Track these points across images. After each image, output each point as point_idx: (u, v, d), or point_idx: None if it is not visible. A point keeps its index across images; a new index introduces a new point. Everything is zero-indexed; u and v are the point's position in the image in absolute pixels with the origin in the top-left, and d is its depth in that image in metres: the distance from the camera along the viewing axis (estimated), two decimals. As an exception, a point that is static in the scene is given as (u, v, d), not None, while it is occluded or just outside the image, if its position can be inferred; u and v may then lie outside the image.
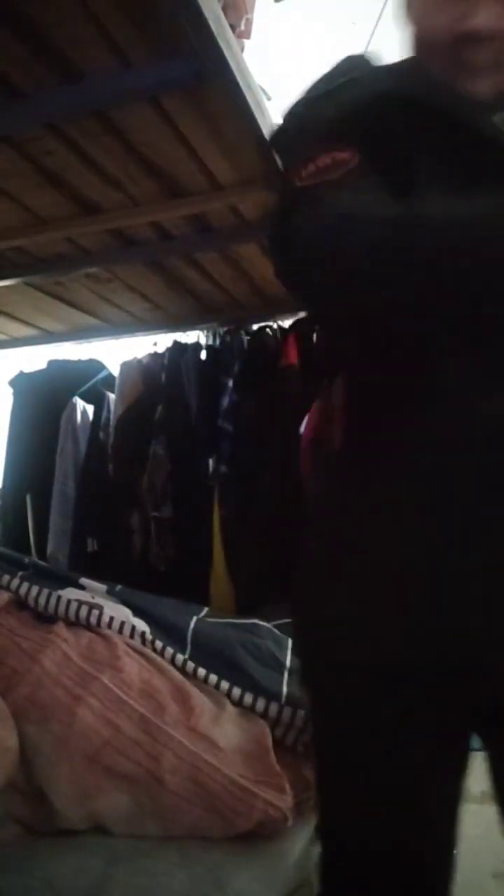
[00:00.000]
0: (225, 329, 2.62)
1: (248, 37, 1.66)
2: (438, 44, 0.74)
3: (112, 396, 2.76)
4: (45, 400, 2.88)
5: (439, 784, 0.77)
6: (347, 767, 0.78)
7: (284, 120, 0.85)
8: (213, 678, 1.45)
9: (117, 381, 2.72)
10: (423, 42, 0.77)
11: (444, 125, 0.74)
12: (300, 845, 1.24)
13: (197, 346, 2.62)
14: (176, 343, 2.62)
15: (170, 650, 1.47)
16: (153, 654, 1.45)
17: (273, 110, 1.50)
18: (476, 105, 0.74)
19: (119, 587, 1.64)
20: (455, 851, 0.82)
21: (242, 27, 1.60)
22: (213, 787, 1.19)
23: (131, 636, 1.47)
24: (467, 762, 0.79)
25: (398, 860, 0.77)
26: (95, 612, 1.49)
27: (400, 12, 0.80)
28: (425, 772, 0.75)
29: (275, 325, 2.54)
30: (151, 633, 1.50)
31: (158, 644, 1.48)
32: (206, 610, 1.71)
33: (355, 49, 0.82)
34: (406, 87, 0.76)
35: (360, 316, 0.69)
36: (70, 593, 1.54)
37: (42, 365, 3.02)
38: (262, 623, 1.67)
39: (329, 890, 0.83)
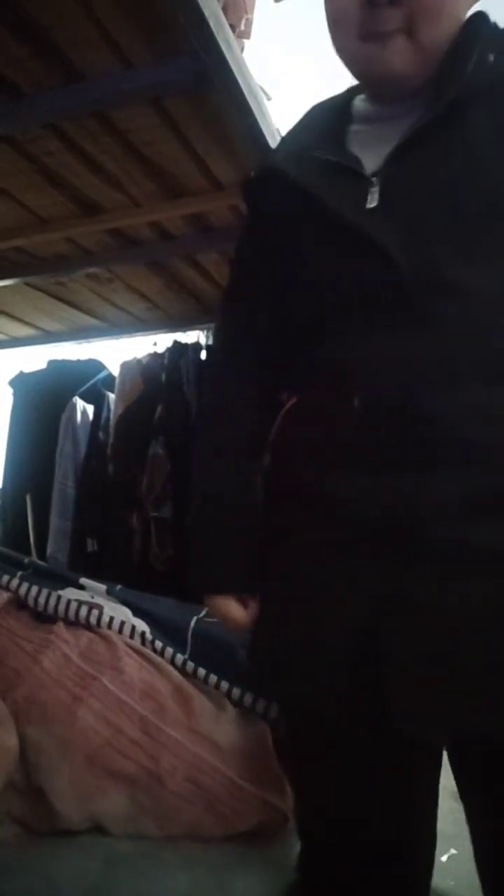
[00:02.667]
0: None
1: (248, 37, 1.66)
2: (348, 15, 0.76)
3: (112, 396, 2.76)
4: (45, 400, 2.88)
5: (402, 792, 0.79)
6: (315, 780, 0.82)
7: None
8: (214, 678, 1.45)
9: (117, 381, 2.72)
10: (336, 18, 0.79)
11: (313, 201, 0.78)
12: (299, 846, 1.24)
13: (197, 346, 2.62)
14: (176, 343, 2.62)
15: (170, 650, 1.47)
16: (153, 655, 1.45)
17: (273, 110, 1.50)
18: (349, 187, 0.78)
19: (119, 587, 1.64)
20: (432, 850, 0.83)
21: (242, 27, 1.60)
22: (212, 788, 1.19)
23: (131, 636, 1.47)
24: (435, 761, 0.80)
25: (372, 860, 0.78)
26: (95, 612, 1.49)
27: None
28: (384, 784, 0.77)
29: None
30: (151, 633, 1.50)
31: (158, 644, 1.48)
32: (205, 610, 1.71)
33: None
34: (284, 165, 0.83)
35: None
36: (70, 593, 1.54)
37: (42, 365, 3.02)
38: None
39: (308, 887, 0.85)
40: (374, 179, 0.77)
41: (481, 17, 0.79)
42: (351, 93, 0.89)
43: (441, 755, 0.80)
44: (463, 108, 0.74)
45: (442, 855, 1.20)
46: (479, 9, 0.80)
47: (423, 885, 0.82)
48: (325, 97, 0.94)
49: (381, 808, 0.78)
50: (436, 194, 0.74)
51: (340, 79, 0.90)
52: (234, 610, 0.85)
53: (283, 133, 0.98)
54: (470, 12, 0.79)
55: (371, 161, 0.79)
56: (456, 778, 0.80)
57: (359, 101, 0.88)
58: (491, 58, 0.75)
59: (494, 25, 0.80)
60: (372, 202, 0.76)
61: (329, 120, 0.88)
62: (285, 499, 0.83)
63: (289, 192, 0.81)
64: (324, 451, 0.78)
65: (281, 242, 0.84)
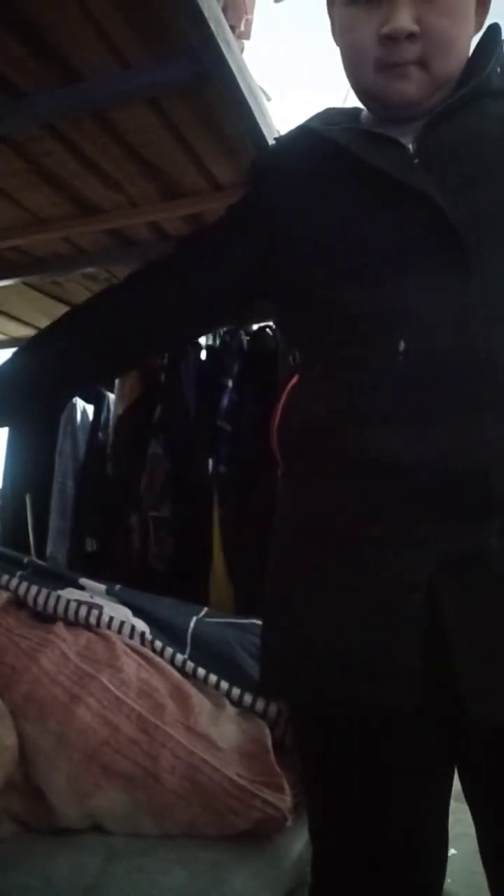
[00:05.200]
0: (225, 329, 2.62)
1: (248, 37, 1.66)
2: (366, 51, 0.82)
3: (112, 396, 2.76)
4: (44, 400, 2.88)
5: (418, 794, 0.79)
6: (326, 783, 0.83)
7: None
8: (213, 678, 1.45)
9: (117, 381, 2.71)
10: (353, 54, 0.85)
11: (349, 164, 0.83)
12: (299, 844, 1.24)
13: (197, 346, 2.62)
14: (176, 343, 2.62)
15: (169, 650, 1.47)
16: (152, 654, 1.45)
17: (273, 110, 1.50)
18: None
19: (118, 587, 1.64)
20: (446, 852, 0.83)
21: (242, 28, 1.60)
22: (211, 787, 1.19)
23: (130, 636, 1.47)
24: (444, 773, 0.80)
25: (384, 864, 0.78)
26: (95, 611, 1.49)
27: (333, 37, 0.90)
28: (401, 786, 0.77)
29: (275, 325, 2.54)
30: (151, 632, 1.50)
31: (158, 644, 1.48)
32: (205, 610, 1.71)
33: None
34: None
35: None
36: (69, 593, 1.54)
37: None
38: (261, 623, 1.67)
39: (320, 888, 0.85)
40: (410, 147, 0.82)
41: (494, 35, 0.87)
42: (359, 108, 0.96)
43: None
44: (479, 98, 0.82)
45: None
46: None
47: (437, 888, 0.82)
48: (323, 96, 0.99)
49: (402, 811, 0.78)
50: (472, 149, 0.80)
51: (340, 78, 0.92)
52: None
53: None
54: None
55: (399, 137, 0.84)
56: (465, 780, 0.80)
57: (367, 113, 0.94)
58: (499, 70, 0.84)
59: None
60: (414, 164, 0.81)
61: (343, 115, 0.95)
62: (313, 472, 0.80)
63: (321, 155, 0.86)
64: (364, 405, 0.76)
65: (306, 202, 0.88)
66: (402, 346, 0.73)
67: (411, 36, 0.79)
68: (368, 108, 0.92)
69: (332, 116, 0.95)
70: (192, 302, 0.95)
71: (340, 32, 0.87)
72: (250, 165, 1.01)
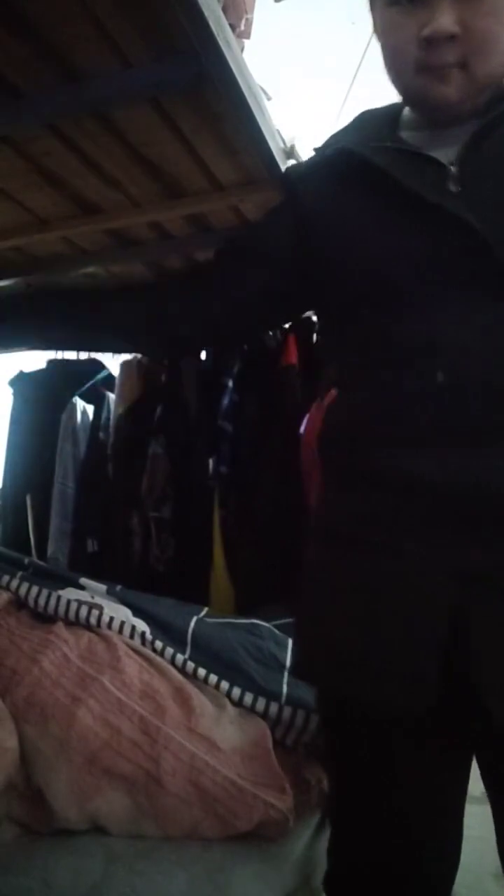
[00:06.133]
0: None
1: (248, 37, 1.66)
2: (406, 52, 0.81)
3: (112, 396, 2.76)
4: (45, 400, 2.88)
5: (437, 797, 0.79)
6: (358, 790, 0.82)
7: None
8: (213, 678, 1.45)
9: (117, 381, 2.71)
10: (394, 54, 0.84)
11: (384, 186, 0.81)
12: (300, 846, 1.24)
13: (197, 347, 2.61)
14: (176, 343, 2.62)
15: (170, 650, 1.47)
16: (153, 655, 1.45)
17: (273, 110, 1.50)
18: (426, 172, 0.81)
19: (119, 587, 1.64)
20: (459, 849, 0.83)
21: (242, 27, 1.60)
22: (212, 789, 1.19)
23: (131, 636, 1.47)
24: (467, 773, 0.81)
25: (407, 860, 0.79)
26: (95, 612, 1.49)
27: (377, 36, 0.88)
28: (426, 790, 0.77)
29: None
30: (151, 633, 1.50)
31: (158, 644, 1.48)
32: (205, 610, 1.71)
33: (354, 47, 0.96)
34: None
35: None
36: (70, 593, 1.54)
37: (42, 365, 3.02)
38: (262, 623, 1.67)
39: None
40: (451, 168, 0.81)
41: None
42: (396, 105, 0.93)
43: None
44: None
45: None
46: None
47: (449, 886, 0.83)
48: (320, 95, 0.98)
49: (422, 808, 0.78)
50: None
51: (340, 79, 0.92)
52: None
53: (288, 135, 1.01)
54: None
55: (440, 156, 0.83)
56: (487, 774, 0.80)
57: (408, 113, 0.91)
58: None
59: None
60: (453, 186, 0.79)
61: (380, 125, 0.92)
62: (349, 485, 0.82)
63: (359, 176, 0.85)
64: (398, 429, 0.78)
65: (339, 223, 0.88)
66: (440, 377, 0.74)
67: (452, 38, 0.77)
68: (410, 108, 0.90)
69: (370, 126, 0.92)
70: (238, 305, 0.96)
71: (381, 34, 0.85)
72: (283, 176, 1.01)
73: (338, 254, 0.88)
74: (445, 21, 0.76)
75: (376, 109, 0.95)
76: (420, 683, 0.72)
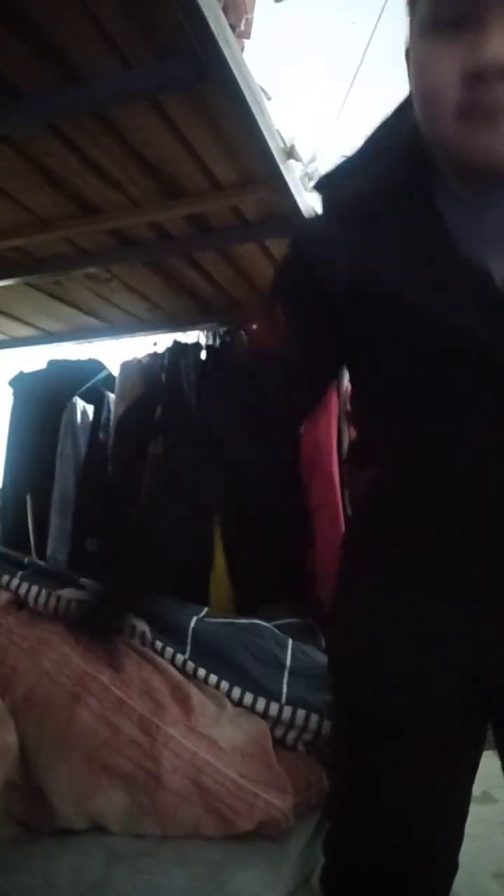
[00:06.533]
0: (225, 329, 2.62)
1: (248, 37, 1.66)
2: (445, 92, 0.61)
3: (112, 396, 2.76)
4: (45, 400, 2.88)
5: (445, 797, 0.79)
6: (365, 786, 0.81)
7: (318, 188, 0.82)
8: (214, 678, 1.45)
9: (117, 381, 2.72)
10: (428, 97, 0.64)
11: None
12: (300, 845, 1.24)
13: (197, 346, 2.62)
14: (176, 343, 2.62)
15: (170, 650, 1.47)
16: (153, 654, 1.45)
17: (273, 110, 1.50)
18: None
19: (119, 587, 1.64)
20: (459, 847, 0.84)
21: (242, 27, 1.60)
22: (212, 787, 1.19)
23: (131, 636, 1.47)
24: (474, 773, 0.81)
25: (407, 860, 0.79)
26: (95, 611, 1.49)
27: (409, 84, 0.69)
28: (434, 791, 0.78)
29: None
30: (151, 633, 1.50)
31: (158, 644, 1.48)
32: (206, 610, 1.71)
33: (354, 47, 0.77)
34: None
35: None
36: (70, 593, 1.54)
37: (42, 365, 3.02)
38: (262, 623, 1.67)
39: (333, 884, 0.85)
40: (498, 280, 0.64)
41: None
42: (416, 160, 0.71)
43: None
44: None
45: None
46: None
47: (448, 886, 0.83)
48: (320, 95, 0.86)
49: (425, 809, 0.79)
50: None
51: (338, 79, 0.89)
52: None
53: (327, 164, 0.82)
54: None
55: (491, 260, 0.65)
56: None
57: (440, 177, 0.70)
58: None
59: None
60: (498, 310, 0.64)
61: (408, 170, 0.71)
62: (382, 549, 0.82)
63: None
64: (425, 518, 0.77)
65: (356, 325, 0.74)
66: (449, 525, 0.74)
67: None
68: (448, 168, 0.68)
69: (386, 171, 0.71)
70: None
71: (414, 70, 0.65)
72: (290, 245, 0.84)
73: (360, 365, 0.80)
74: (498, 48, 0.57)
75: (395, 135, 0.73)
76: (439, 702, 0.74)
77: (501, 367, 0.66)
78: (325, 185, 0.80)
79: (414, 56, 0.65)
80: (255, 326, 0.93)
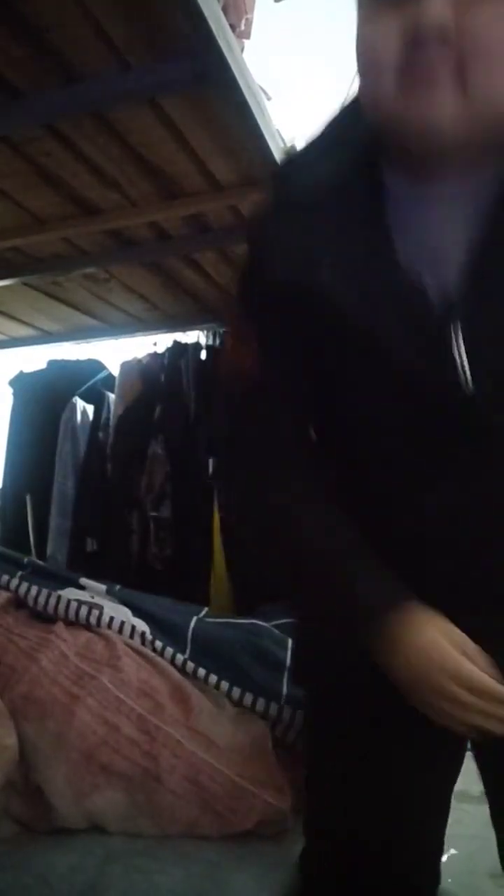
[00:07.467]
0: (225, 329, 2.62)
1: (248, 37, 1.66)
2: (387, 57, 0.59)
3: (112, 396, 2.76)
4: (45, 400, 2.89)
5: (425, 791, 0.79)
6: (338, 775, 0.81)
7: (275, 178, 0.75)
8: (213, 678, 1.45)
9: (117, 381, 2.72)
10: (368, 59, 0.62)
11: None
12: (299, 846, 1.24)
13: (197, 346, 2.62)
14: (176, 343, 2.63)
15: (169, 650, 1.47)
16: (152, 654, 1.45)
17: (273, 110, 1.50)
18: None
19: (119, 587, 1.64)
20: (441, 855, 0.83)
21: (242, 27, 1.60)
22: (211, 787, 1.19)
23: (131, 636, 1.47)
24: (457, 769, 0.81)
25: (386, 867, 0.78)
26: (95, 611, 1.49)
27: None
28: (413, 781, 0.77)
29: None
30: (151, 632, 1.50)
31: (158, 644, 1.48)
32: (205, 610, 1.71)
33: (354, 47, 0.66)
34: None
35: None
36: (70, 593, 1.54)
37: (42, 365, 3.02)
38: (261, 623, 1.67)
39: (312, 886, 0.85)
40: (440, 310, 0.61)
41: None
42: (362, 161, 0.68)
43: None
44: None
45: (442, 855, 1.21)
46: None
47: (432, 881, 0.83)
48: (320, 95, 0.84)
49: (406, 814, 0.78)
50: None
51: (338, 79, 0.88)
52: None
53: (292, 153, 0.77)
54: None
55: (430, 270, 0.62)
56: (487, 779, 0.80)
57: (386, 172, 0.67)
58: None
59: None
60: (455, 347, 0.60)
61: (359, 162, 0.67)
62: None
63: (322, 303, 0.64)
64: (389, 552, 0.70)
65: (316, 358, 0.69)
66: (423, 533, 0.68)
67: (444, 38, 0.56)
68: (388, 156, 0.66)
69: (330, 177, 0.66)
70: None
71: (358, 45, 0.63)
72: (247, 245, 0.77)
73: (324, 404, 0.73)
74: (435, 11, 0.55)
75: (348, 128, 0.69)
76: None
77: (440, 396, 0.62)
78: (280, 177, 0.74)
79: (358, 31, 0.63)
80: (226, 340, 0.80)
